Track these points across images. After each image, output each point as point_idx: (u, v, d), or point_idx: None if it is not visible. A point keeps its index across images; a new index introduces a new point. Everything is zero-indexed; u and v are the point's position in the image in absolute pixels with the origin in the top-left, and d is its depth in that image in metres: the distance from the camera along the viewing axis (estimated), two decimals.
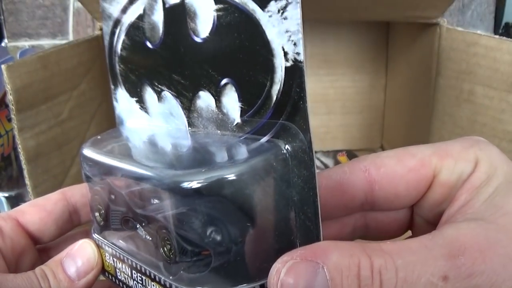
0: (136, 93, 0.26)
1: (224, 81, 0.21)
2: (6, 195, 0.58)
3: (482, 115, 0.41)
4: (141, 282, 0.23)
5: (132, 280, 0.24)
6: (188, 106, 0.23)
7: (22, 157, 0.35)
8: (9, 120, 0.57)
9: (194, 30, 0.21)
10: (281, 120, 0.20)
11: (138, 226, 0.23)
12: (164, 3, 0.22)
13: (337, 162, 0.63)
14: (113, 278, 0.26)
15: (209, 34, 0.21)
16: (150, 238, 0.22)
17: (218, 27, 0.20)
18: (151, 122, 0.26)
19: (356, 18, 0.57)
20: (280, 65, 0.19)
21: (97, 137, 0.27)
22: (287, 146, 0.20)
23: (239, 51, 0.20)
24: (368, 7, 0.45)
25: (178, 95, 0.23)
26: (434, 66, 0.45)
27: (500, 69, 0.38)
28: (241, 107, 0.21)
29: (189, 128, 0.23)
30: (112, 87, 0.28)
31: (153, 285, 0.22)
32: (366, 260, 0.17)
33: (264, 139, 0.20)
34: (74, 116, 0.41)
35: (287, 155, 0.20)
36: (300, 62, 0.18)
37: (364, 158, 0.23)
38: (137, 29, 0.25)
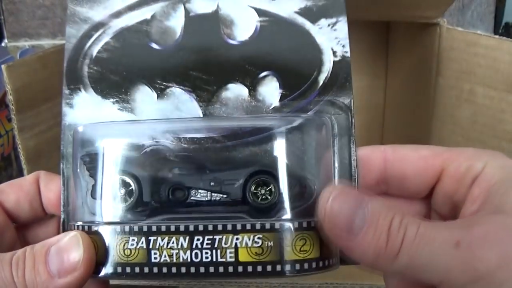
0: (118, 93, 0.26)
1: (264, 73, 0.26)
2: None
3: (482, 115, 0.41)
4: (210, 245, 0.23)
5: (190, 251, 0.23)
6: (209, 98, 0.26)
7: (22, 157, 0.35)
8: (9, 120, 0.57)
9: (229, 35, 0.26)
10: (327, 98, 0.26)
11: (193, 192, 0.24)
12: (188, 12, 0.27)
13: None
14: (139, 268, 0.23)
15: (249, 38, 0.26)
16: (219, 197, 0.24)
17: (260, 34, 0.26)
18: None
19: (356, 18, 0.57)
20: (328, 60, 0.26)
21: (81, 127, 0.26)
22: (332, 116, 0.26)
23: (284, 51, 0.26)
24: (368, 7, 0.45)
25: (194, 89, 0.26)
26: (434, 66, 0.45)
27: (500, 69, 0.38)
28: (282, 93, 0.26)
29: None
30: (67, 91, 0.27)
31: (237, 238, 0.23)
32: (398, 216, 0.21)
33: (310, 113, 0.26)
34: None
35: (333, 120, 0.26)
36: (348, 57, 0.26)
37: (386, 145, 0.27)
38: (136, 32, 0.27)
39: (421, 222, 0.21)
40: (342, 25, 0.26)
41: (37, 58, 0.37)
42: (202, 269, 0.23)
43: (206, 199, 0.24)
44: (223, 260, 0.23)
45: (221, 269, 0.23)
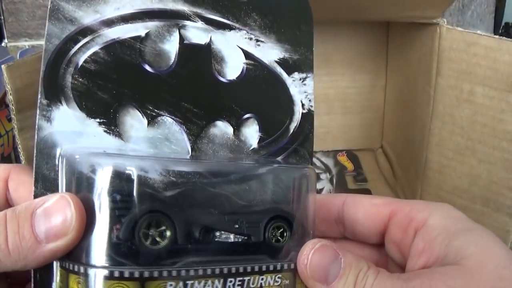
0: (104, 114, 0.23)
1: (246, 115, 0.27)
2: None
3: (482, 115, 0.41)
4: (240, 286, 0.24)
5: None
6: (198, 132, 0.26)
7: (22, 157, 0.35)
8: (9, 120, 0.57)
9: (219, 72, 0.26)
10: (294, 146, 0.28)
11: (219, 234, 0.25)
12: (182, 39, 0.26)
13: (337, 162, 0.63)
14: None
15: (237, 78, 0.27)
16: (241, 238, 0.25)
17: (246, 76, 0.27)
18: (126, 147, 0.24)
19: (356, 18, 0.57)
20: (298, 111, 0.29)
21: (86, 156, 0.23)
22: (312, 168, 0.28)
23: (265, 96, 0.28)
24: (368, 7, 0.45)
25: (184, 121, 0.25)
26: (434, 66, 0.45)
27: (500, 69, 0.38)
28: (260, 136, 0.28)
29: (192, 153, 0.26)
30: (45, 102, 0.23)
31: (262, 278, 0.25)
32: (365, 268, 0.24)
33: (279, 158, 0.28)
34: None
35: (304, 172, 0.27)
36: (312, 110, 0.29)
37: (348, 194, 0.30)
38: (129, 48, 0.24)
39: (378, 274, 0.24)
40: (310, 81, 0.29)
41: (37, 58, 0.37)
42: None
43: (230, 240, 0.25)
44: None
45: None
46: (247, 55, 0.27)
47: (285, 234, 0.26)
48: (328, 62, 0.62)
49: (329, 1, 0.44)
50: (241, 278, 0.24)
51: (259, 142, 0.28)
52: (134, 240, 0.22)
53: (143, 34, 0.25)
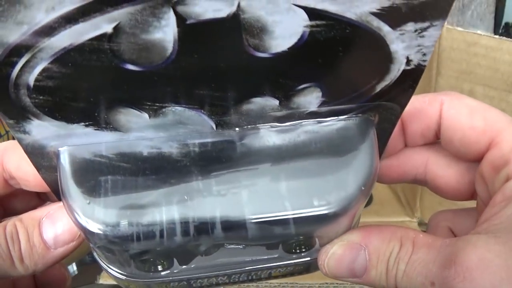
0: (89, 118, 0.21)
1: (304, 85, 0.20)
2: None
3: None
4: (246, 277, 0.24)
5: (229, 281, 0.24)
6: (223, 111, 0.21)
7: None
8: None
9: (257, 46, 0.18)
10: (378, 102, 0.21)
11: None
12: (182, 19, 0.17)
13: None
14: None
15: (289, 49, 0.18)
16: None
17: (308, 42, 0.18)
18: (128, 137, 0.22)
19: None
20: (398, 68, 0.20)
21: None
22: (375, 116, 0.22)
23: (338, 61, 0.19)
24: None
25: (202, 106, 0.21)
26: (434, 66, 0.45)
27: (500, 69, 0.38)
28: (322, 101, 0.21)
29: (218, 129, 0.22)
30: (11, 121, 0.20)
31: (270, 267, 0.24)
32: (395, 250, 0.21)
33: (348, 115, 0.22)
34: None
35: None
36: (423, 66, 0.20)
37: (445, 93, 0.25)
38: (93, 52, 0.18)
39: (411, 255, 0.20)
40: (435, 32, 0.19)
41: None
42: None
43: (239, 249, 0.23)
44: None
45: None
46: (313, 13, 0.18)
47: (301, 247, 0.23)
48: None
49: None
50: (247, 271, 0.23)
51: (319, 106, 0.21)
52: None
53: (109, 30, 0.18)
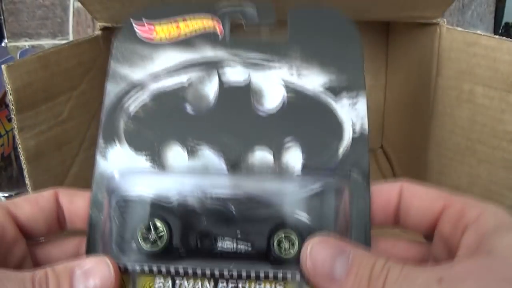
0: (150, 149, 0.28)
1: (289, 144, 0.27)
2: (6, 195, 0.58)
3: (482, 115, 0.41)
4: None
5: None
6: (236, 161, 0.27)
7: (22, 157, 0.35)
8: (9, 120, 0.57)
9: (258, 107, 0.28)
10: (345, 170, 0.27)
11: (220, 242, 0.25)
12: (221, 82, 0.29)
13: None
14: None
15: (277, 111, 0.28)
16: (245, 246, 0.25)
17: (287, 107, 0.28)
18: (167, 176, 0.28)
19: (356, 18, 0.57)
20: (348, 136, 0.28)
21: (117, 173, 0.27)
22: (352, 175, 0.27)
23: (308, 124, 0.28)
24: (368, 7, 0.45)
25: (223, 151, 0.27)
26: (434, 66, 0.45)
27: (500, 69, 0.38)
28: (304, 163, 0.27)
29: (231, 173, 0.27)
30: (101, 141, 0.28)
31: (259, 285, 0.24)
32: (382, 260, 0.22)
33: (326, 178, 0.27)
34: (74, 116, 0.41)
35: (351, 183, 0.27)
36: (365, 134, 0.28)
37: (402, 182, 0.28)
38: (172, 96, 0.29)
39: (404, 265, 0.21)
40: (362, 103, 0.29)
41: (37, 58, 0.37)
42: None
43: (232, 250, 0.25)
44: None
45: None
46: (288, 88, 0.28)
47: (295, 244, 0.25)
48: None
49: (329, 1, 0.44)
50: (234, 282, 0.24)
51: (302, 169, 0.27)
52: (136, 241, 0.25)
53: (185, 82, 0.29)
